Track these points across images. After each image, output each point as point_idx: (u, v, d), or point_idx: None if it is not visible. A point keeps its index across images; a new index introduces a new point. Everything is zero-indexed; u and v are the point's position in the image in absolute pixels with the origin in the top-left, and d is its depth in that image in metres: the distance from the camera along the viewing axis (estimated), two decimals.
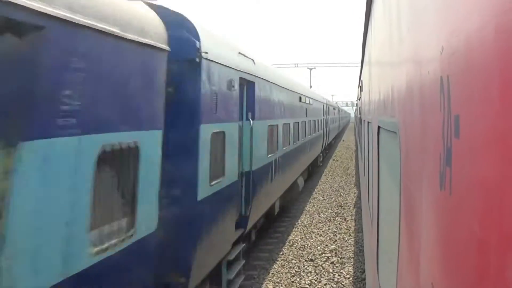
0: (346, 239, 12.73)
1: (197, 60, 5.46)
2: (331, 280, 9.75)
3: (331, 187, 20.93)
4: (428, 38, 1.34)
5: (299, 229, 13.74)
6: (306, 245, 12.09)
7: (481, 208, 0.81)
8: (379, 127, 3.88)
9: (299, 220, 14.76)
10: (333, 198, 18.35)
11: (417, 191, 1.57)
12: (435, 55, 1.17)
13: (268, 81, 10.47)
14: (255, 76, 8.96)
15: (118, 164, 4.00)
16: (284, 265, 10.61)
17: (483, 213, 0.80)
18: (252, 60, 8.97)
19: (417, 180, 1.57)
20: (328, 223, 14.44)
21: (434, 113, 1.21)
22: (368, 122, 7.23)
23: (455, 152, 0.97)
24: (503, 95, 0.71)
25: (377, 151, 4.22)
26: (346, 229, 13.69)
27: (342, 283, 9.64)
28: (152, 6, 5.01)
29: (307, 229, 13.73)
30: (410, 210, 1.78)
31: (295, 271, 10.23)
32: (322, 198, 18.38)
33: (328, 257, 11.19)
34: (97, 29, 3.38)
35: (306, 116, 17.94)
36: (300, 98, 16.16)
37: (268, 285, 9.41)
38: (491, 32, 0.74)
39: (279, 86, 12.09)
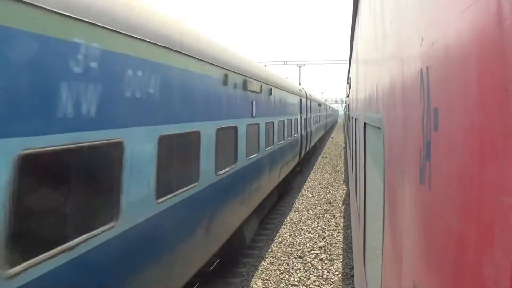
0: (335, 236, 12.76)
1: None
2: (320, 277, 9.76)
3: (320, 184, 20.98)
4: (410, 30, 1.32)
5: (288, 226, 13.75)
6: (295, 242, 12.10)
7: (459, 203, 0.78)
8: (365, 124, 3.87)
9: (288, 217, 14.77)
10: (322, 195, 18.39)
11: (399, 186, 1.55)
12: (416, 47, 1.15)
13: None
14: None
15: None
16: (273, 262, 10.60)
17: (461, 208, 0.78)
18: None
19: (400, 175, 1.55)
20: (317, 220, 14.47)
21: (415, 107, 1.19)
22: (355, 119, 7.24)
23: (434, 145, 0.95)
24: (480, 86, 0.69)
25: (363, 147, 4.22)
26: (335, 226, 13.73)
27: (331, 279, 9.66)
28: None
29: (296, 226, 13.74)
30: (393, 206, 1.76)
31: (284, 268, 10.24)
32: (311, 195, 18.41)
33: (317, 254, 11.21)
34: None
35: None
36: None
37: (257, 282, 9.39)
38: (466, 21, 0.71)
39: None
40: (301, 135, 20.76)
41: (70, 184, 3.55)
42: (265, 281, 9.50)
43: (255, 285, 9.26)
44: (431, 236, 1.01)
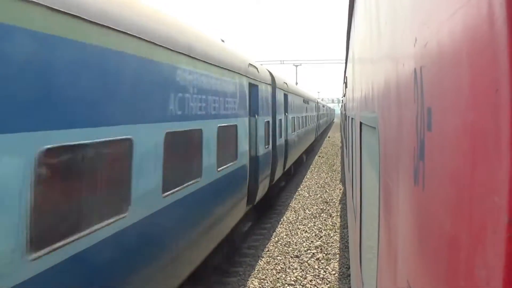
0: (332, 235, 12.78)
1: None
2: (316, 277, 9.77)
3: (316, 184, 21.00)
4: (404, 30, 1.32)
5: (284, 225, 13.76)
6: (291, 242, 12.11)
7: (452, 203, 0.78)
8: (361, 123, 3.88)
9: (284, 217, 14.77)
10: (319, 195, 18.41)
11: (394, 186, 1.55)
12: (410, 47, 1.15)
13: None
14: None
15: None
16: (270, 261, 10.61)
17: (454, 208, 0.78)
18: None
19: (394, 175, 1.55)
20: (313, 219, 14.48)
21: (409, 107, 1.19)
22: (351, 118, 7.25)
23: (428, 146, 0.95)
24: (471, 86, 0.69)
25: (359, 146, 4.22)
26: (332, 226, 13.75)
27: (328, 279, 9.67)
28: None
29: (293, 225, 13.75)
30: (388, 206, 1.76)
31: (281, 267, 10.24)
32: (307, 195, 18.43)
33: (313, 253, 11.22)
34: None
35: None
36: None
37: (253, 282, 9.40)
38: (458, 21, 0.71)
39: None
40: (255, 158, 11.43)
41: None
42: (262, 280, 9.50)
43: (251, 285, 9.27)
44: (424, 236, 1.01)
